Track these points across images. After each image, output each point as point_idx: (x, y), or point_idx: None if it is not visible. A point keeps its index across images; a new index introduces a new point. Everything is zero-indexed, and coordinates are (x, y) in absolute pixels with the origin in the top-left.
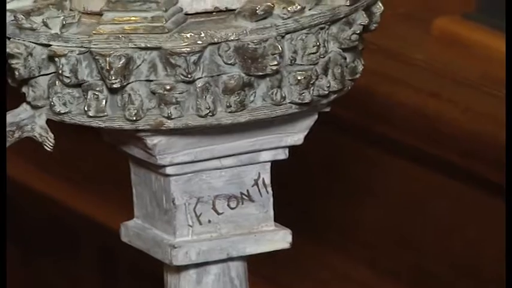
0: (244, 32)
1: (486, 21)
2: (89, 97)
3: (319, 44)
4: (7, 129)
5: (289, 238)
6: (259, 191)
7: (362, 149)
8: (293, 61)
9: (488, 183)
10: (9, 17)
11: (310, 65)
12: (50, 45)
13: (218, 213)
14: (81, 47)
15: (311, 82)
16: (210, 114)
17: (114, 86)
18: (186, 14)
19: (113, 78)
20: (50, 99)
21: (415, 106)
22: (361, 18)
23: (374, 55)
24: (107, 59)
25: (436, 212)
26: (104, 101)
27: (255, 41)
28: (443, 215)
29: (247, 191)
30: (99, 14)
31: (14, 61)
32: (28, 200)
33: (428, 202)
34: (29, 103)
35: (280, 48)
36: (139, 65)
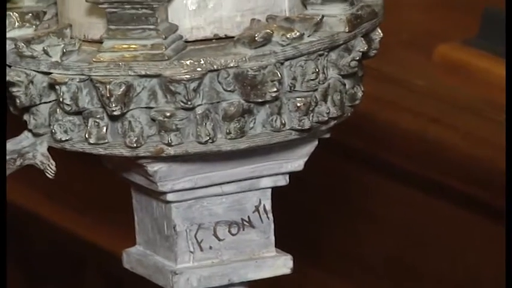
0: (244, 59)
1: (487, 47)
2: (89, 124)
3: (319, 71)
4: (8, 157)
5: (290, 264)
6: (260, 217)
7: (364, 175)
8: (292, 88)
9: (488, 208)
10: (10, 45)
11: (310, 91)
12: (51, 73)
13: (219, 240)
14: (82, 74)
15: (310, 108)
16: (210, 141)
17: (115, 113)
18: (186, 42)
19: (114, 105)
20: (51, 127)
21: (416, 132)
22: (360, 45)
23: (376, 81)
24: (107, 86)
25: (437, 237)
26: (105, 128)
27: (255, 67)
28: (444, 240)
29: (248, 217)
30: (100, 41)
31: (15, 89)
32: (33, 226)
33: (429, 227)
34: (30, 131)
35: (280, 75)
36: (140, 92)
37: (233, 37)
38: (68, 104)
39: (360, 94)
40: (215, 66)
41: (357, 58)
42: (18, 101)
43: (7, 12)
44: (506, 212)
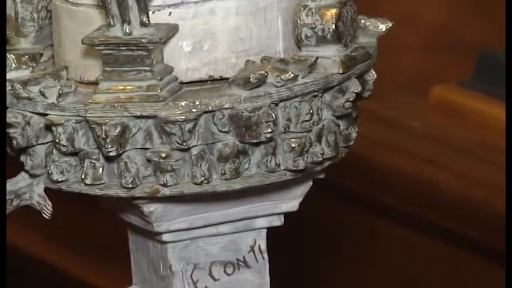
0: (238, 100)
1: (482, 89)
2: (85, 165)
3: (313, 112)
4: (6, 197)
5: None
6: (255, 257)
7: (359, 216)
8: (287, 129)
9: (484, 249)
10: (6, 87)
11: (304, 132)
12: (47, 114)
13: (215, 280)
14: (78, 116)
15: (305, 149)
16: (205, 181)
17: (111, 154)
18: (181, 83)
19: (109, 146)
20: (48, 168)
21: (412, 173)
22: (354, 86)
23: (372, 123)
24: (103, 127)
25: (435, 277)
26: (101, 169)
27: (249, 109)
28: (442, 281)
29: (244, 257)
30: (95, 83)
31: (12, 130)
32: (31, 267)
33: (426, 268)
34: (27, 172)
35: (274, 116)
36: (135, 133)
37: (228, 78)
38: (64, 145)
39: (354, 135)
40: (210, 108)
41: (351, 99)
42: (15, 142)
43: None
44: (506, 248)
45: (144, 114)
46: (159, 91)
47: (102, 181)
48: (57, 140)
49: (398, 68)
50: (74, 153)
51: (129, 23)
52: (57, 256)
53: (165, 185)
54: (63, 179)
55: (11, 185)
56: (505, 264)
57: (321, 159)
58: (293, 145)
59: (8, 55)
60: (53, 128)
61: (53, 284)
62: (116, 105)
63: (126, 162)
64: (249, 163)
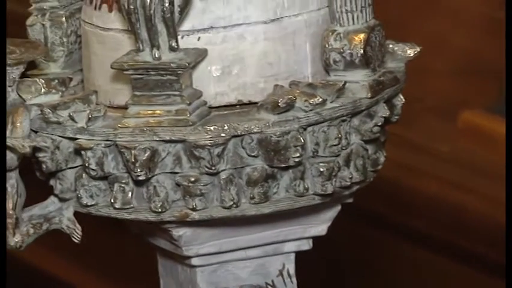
0: (267, 124)
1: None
2: (115, 189)
3: (341, 136)
4: (35, 221)
5: None
6: (283, 281)
7: (387, 239)
8: (315, 153)
9: None
10: (36, 111)
11: (332, 156)
12: (77, 138)
13: None
14: (107, 140)
15: (333, 173)
16: (234, 205)
17: (140, 178)
18: (210, 107)
19: (139, 170)
20: (77, 192)
21: (440, 197)
22: (383, 111)
23: (400, 148)
24: (133, 151)
25: None
26: (130, 193)
27: (278, 133)
28: None
29: (272, 281)
30: (125, 107)
31: (41, 154)
32: None
33: None
34: (56, 196)
35: (303, 141)
36: (164, 157)
37: (257, 103)
38: (93, 169)
39: (382, 159)
40: (239, 132)
41: (379, 124)
42: (44, 167)
43: (34, 79)
44: None
45: (173, 138)
46: (188, 115)
47: (132, 205)
48: (86, 164)
49: (427, 93)
50: (104, 177)
51: (158, 47)
52: (82, 278)
53: (194, 209)
54: (93, 203)
55: (40, 209)
56: None
57: (349, 183)
58: (321, 169)
59: (37, 80)
60: (83, 152)
61: None
62: (145, 129)
63: (155, 187)
64: (278, 187)
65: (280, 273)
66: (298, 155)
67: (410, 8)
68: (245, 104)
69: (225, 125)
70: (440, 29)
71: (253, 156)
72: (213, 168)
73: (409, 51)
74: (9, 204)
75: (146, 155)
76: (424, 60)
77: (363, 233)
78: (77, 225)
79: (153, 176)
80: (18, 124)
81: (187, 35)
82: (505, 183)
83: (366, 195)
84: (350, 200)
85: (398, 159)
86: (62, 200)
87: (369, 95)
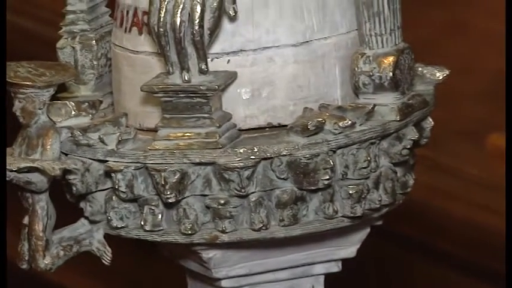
0: (296, 147)
1: None
2: (145, 212)
3: (370, 159)
4: (65, 243)
5: None
6: None
7: (416, 261)
8: (345, 176)
9: None
10: (66, 134)
11: (362, 179)
12: (107, 161)
13: None
14: (137, 162)
15: (362, 196)
16: (263, 228)
17: (170, 200)
18: (240, 130)
19: (168, 193)
20: (107, 214)
21: (468, 219)
22: (412, 133)
23: (429, 170)
24: (162, 174)
25: None
26: (160, 215)
27: (307, 156)
28: None
29: None
30: (155, 130)
31: (71, 177)
32: None
33: None
34: (86, 218)
35: (332, 163)
36: (194, 180)
37: (286, 125)
38: (123, 192)
39: (411, 182)
40: (268, 154)
41: (408, 146)
42: (74, 189)
43: (64, 102)
44: None
45: (203, 161)
46: (217, 138)
47: (161, 227)
48: (116, 187)
49: (456, 116)
50: (133, 200)
51: (188, 70)
52: None
53: (223, 232)
54: (123, 225)
55: (70, 231)
56: None
57: (378, 206)
58: (351, 192)
59: (68, 102)
60: (113, 175)
61: None
62: (175, 152)
63: (185, 209)
64: (307, 210)
65: None
66: (327, 177)
67: (439, 29)
68: (275, 126)
69: (255, 148)
70: (469, 51)
71: (283, 178)
72: (243, 190)
73: (438, 74)
74: (40, 226)
75: (176, 177)
76: (453, 83)
77: (392, 255)
78: (107, 247)
79: (183, 198)
80: (49, 146)
81: (217, 58)
82: (505, 191)
83: (395, 217)
84: (379, 222)
85: (428, 182)
86: (92, 222)
87: (398, 118)
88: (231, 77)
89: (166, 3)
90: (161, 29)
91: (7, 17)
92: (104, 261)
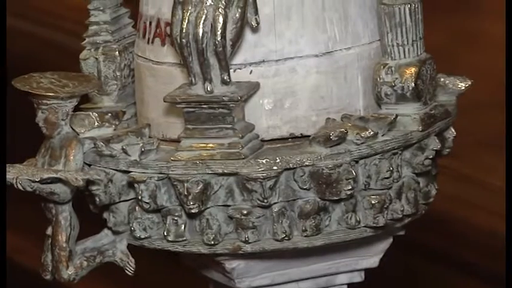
0: (319, 157)
1: None
2: (168, 222)
3: (393, 169)
4: (88, 254)
5: None
6: None
7: (439, 271)
8: (367, 186)
9: None
10: (89, 145)
11: (384, 189)
12: (130, 171)
13: None
14: (160, 173)
15: (385, 206)
16: (286, 238)
17: (193, 211)
18: (262, 140)
19: (191, 203)
20: (130, 225)
21: (491, 229)
22: (434, 144)
23: (452, 181)
24: (185, 184)
25: None
26: (183, 225)
27: (330, 166)
28: None
29: None
30: (177, 141)
31: (94, 187)
32: None
33: None
34: (110, 228)
35: (354, 173)
36: (217, 190)
37: (308, 136)
38: (146, 202)
39: (433, 192)
40: (291, 165)
41: (431, 157)
42: (97, 199)
43: (87, 112)
44: None
45: (225, 171)
46: (240, 148)
47: (185, 238)
48: (139, 197)
49: (478, 126)
50: (157, 210)
51: (211, 81)
52: None
53: (246, 242)
54: (146, 235)
55: (94, 241)
56: None
57: (400, 216)
58: (373, 202)
59: (91, 113)
60: (136, 185)
61: None
62: (197, 162)
63: (208, 219)
64: (330, 220)
65: None
66: (350, 187)
67: (460, 39)
68: (297, 137)
69: (277, 158)
70: (492, 61)
71: (305, 189)
72: (266, 201)
73: (460, 85)
74: (63, 237)
75: (199, 187)
76: (475, 93)
77: (415, 265)
78: (131, 258)
79: (206, 208)
80: (72, 157)
81: (240, 69)
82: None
83: (417, 227)
84: (402, 232)
85: (450, 192)
86: (116, 232)
87: (420, 128)
88: (253, 88)
89: (188, 14)
90: (184, 40)
91: (30, 29)
92: (127, 272)
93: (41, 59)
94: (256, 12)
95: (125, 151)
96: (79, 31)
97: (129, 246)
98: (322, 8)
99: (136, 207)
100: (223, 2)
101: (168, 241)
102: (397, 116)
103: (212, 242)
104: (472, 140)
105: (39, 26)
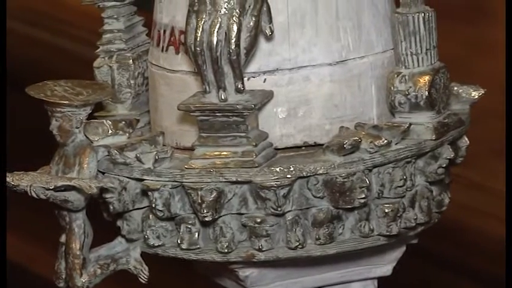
0: (333, 166)
1: None
2: (181, 230)
3: (406, 178)
4: (102, 262)
5: None
6: None
7: (451, 280)
8: (380, 194)
9: None
10: (103, 153)
11: (397, 198)
12: (144, 179)
13: None
14: (174, 181)
15: (398, 215)
16: (299, 246)
17: (206, 219)
18: (276, 149)
19: (205, 211)
20: (144, 233)
21: (502, 237)
22: (447, 152)
23: (466, 189)
24: (199, 192)
25: None
26: (197, 233)
27: (343, 174)
28: None
29: None
30: (191, 149)
31: (108, 195)
32: None
33: None
34: (123, 236)
35: (368, 182)
36: (231, 198)
37: (322, 144)
38: (160, 210)
39: (447, 201)
40: (304, 173)
41: (444, 165)
42: (111, 207)
43: (101, 120)
44: None
45: (239, 179)
46: (254, 157)
47: (198, 246)
48: (153, 205)
49: (492, 134)
50: (170, 218)
51: (225, 89)
52: None
53: (260, 250)
54: (160, 243)
55: (107, 249)
56: None
57: (414, 224)
58: (386, 210)
59: (104, 121)
60: (149, 193)
61: None
62: (211, 170)
63: (221, 227)
64: (343, 228)
65: None
66: (363, 196)
67: (474, 49)
68: (311, 145)
69: (291, 167)
70: (503, 70)
71: (319, 197)
72: (279, 209)
73: (473, 93)
74: (77, 245)
75: (213, 196)
76: (488, 102)
77: (427, 273)
78: (144, 265)
79: (220, 216)
80: (85, 165)
81: (253, 77)
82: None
83: (430, 235)
84: (415, 241)
85: (463, 201)
86: (129, 240)
87: (434, 137)
88: (267, 96)
89: (203, 22)
90: (198, 48)
91: (44, 37)
92: (141, 280)
93: (55, 67)
94: (270, 20)
95: (138, 159)
96: (93, 39)
97: (142, 254)
98: (336, 17)
99: (150, 215)
100: (237, 10)
101: (182, 249)
102: (410, 124)
103: (226, 250)
104: (484, 148)
105: (53, 35)
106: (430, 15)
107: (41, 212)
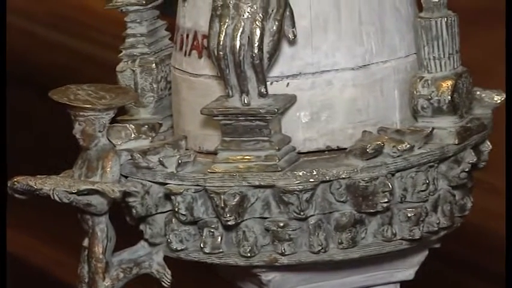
0: (355, 170)
1: None
2: (204, 234)
3: (429, 182)
4: (125, 265)
5: None
6: None
7: (474, 285)
8: (403, 198)
9: None
10: (126, 157)
11: (420, 202)
12: (167, 183)
13: None
14: (197, 185)
15: (421, 219)
16: (322, 250)
17: (229, 223)
18: (299, 153)
19: (228, 215)
20: (167, 237)
21: None
22: (470, 157)
23: (488, 194)
24: (222, 196)
25: None
26: (220, 238)
27: (366, 179)
28: None
29: None
30: (214, 153)
31: (131, 199)
32: None
33: None
34: (146, 240)
35: (391, 186)
36: (253, 202)
37: (345, 149)
38: (183, 214)
39: (469, 205)
40: (327, 178)
41: (466, 170)
42: (134, 211)
43: (124, 124)
44: None
45: (262, 183)
46: (277, 161)
47: (221, 250)
48: (176, 209)
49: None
50: (193, 222)
51: (248, 93)
52: None
53: (282, 254)
54: (183, 247)
55: (130, 253)
56: None
57: (436, 228)
58: (409, 215)
59: (127, 125)
60: (172, 197)
61: None
62: (234, 174)
63: (244, 231)
64: (366, 232)
65: None
66: (386, 200)
67: (497, 54)
68: (333, 149)
69: (314, 171)
70: None
71: (342, 201)
72: (302, 213)
73: (496, 98)
74: (99, 249)
75: (235, 200)
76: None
77: (450, 278)
78: (167, 269)
79: (242, 221)
80: (109, 169)
81: (276, 81)
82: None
83: (452, 240)
84: (437, 245)
85: (486, 205)
86: (152, 244)
87: (456, 142)
88: (290, 100)
89: (226, 26)
90: (221, 53)
91: (68, 42)
92: (163, 284)
93: (78, 71)
94: (293, 25)
95: (161, 163)
96: (116, 44)
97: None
98: (359, 21)
99: (173, 219)
100: (260, 14)
101: (205, 253)
102: (433, 129)
103: (249, 254)
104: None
105: (76, 39)
106: (452, 19)
107: (62, 217)
